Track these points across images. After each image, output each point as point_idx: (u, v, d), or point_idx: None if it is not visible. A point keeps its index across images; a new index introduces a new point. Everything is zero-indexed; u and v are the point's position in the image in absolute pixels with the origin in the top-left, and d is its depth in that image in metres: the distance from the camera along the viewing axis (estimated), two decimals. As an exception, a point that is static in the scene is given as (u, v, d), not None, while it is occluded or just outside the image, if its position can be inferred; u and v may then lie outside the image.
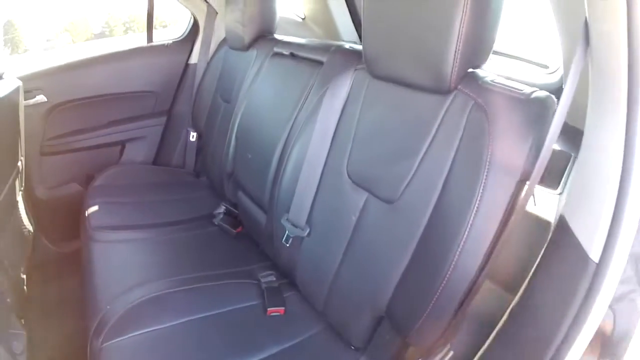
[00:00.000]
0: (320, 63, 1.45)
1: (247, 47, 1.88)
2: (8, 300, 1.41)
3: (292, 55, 1.61)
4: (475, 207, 0.82)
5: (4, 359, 1.23)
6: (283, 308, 1.27)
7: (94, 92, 2.15)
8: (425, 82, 0.95)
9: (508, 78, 0.91)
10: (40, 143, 2.07)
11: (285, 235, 1.28)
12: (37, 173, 2.10)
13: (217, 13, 2.27)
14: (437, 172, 0.91)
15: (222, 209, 1.81)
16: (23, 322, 1.48)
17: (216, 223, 1.74)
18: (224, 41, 2.14)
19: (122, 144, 2.31)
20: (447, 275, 0.86)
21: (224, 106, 1.99)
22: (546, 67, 1.45)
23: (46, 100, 2.01)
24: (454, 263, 0.85)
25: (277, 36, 1.89)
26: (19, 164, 1.64)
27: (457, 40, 0.85)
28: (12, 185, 1.53)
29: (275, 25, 1.91)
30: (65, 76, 2.09)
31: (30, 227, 1.80)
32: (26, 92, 1.85)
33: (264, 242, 1.52)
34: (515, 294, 0.86)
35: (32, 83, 1.95)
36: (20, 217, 1.71)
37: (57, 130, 2.11)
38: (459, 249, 0.84)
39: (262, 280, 1.37)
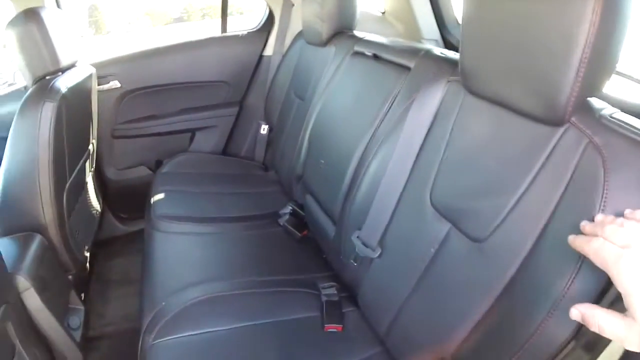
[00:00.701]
0: (406, 68, 1.31)
1: (325, 43, 1.80)
2: (70, 277, 1.46)
3: (375, 56, 1.47)
4: (579, 266, 0.67)
5: (59, 334, 1.27)
6: (341, 326, 1.19)
7: (166, 80, 2.17)
8: (534, 109, 0.79)
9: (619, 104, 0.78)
10: (112, 126, 2.13)
11: (354, 254, 1.21)
12: (108, 155, 2.17)
13: (293, 5, 2.22)
14: (536, 215, 0.76)
15: (288, 209, 1.73)
16: (83, 298, 1.55)
17: (281, 224, 1.68)
18: (300, 34, 2.07)
19: (193, 132, 2.31)
20: (533, 337, 0.72)
21: (297, 103, 1.92)
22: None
23: (119, 86, 2.07)
24: (543, 324, 0.71)
25: (357, 33, 1.77)
26: (90, 147, 1.69)
27: (580, 64, 0.69)
28: (82, 167, 1.59)
29: (356, 21, 1.83)
30: (138, 64, 2.13)
31: (98, 208, 1.87)
32: (100, 77, 1.96)
33: (330, 253, 1.44)
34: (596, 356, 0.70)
35: (106, 69, 2.02)
36: (89, 198, 1.77)
37: (129, 115, 2.16)
38: (553, 310, 0.70)
39: (323, 292, 1.30)
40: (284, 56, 2.19)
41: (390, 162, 1.13)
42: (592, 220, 0.64)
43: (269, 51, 2.31)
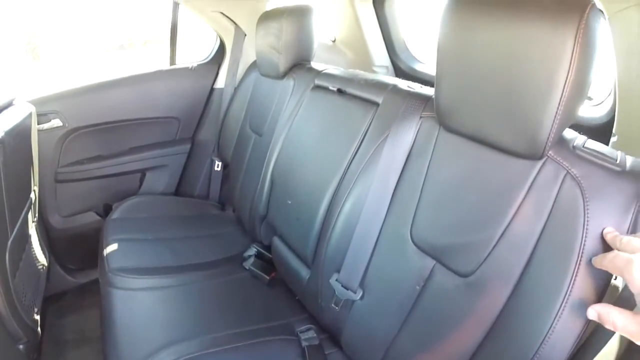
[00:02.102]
0: (374, 104, 1.28)
1: (283, 76, 1.74)
2: (20, 347, 1.32)
3: (340, 91, 1.43)
4: (566, 297, 0.72)
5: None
6: None
7: (113, 117, 2.05)
8: (514, 145, 0.82)
9: None
10: (54, 170, 1.97)
11: (334, 297, 1.16)
12: (52, 201, 2.00)
13: (245, 35, 2.16)
14: (521, 246, 0.80)
15: (253, 251, 1.66)
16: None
17: (247, 267, 1.59)
18: (253, 65, 2.01)
19: (143, 172, 2.20)
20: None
21: (254, 138, 1.85)
22: (590, 99, 1.34)
23: (62, 124, 1.92)
24: (541, 348, 0.74)
25: (314, 65, 1.74)
26: (32, 195, 1.54)
27: (560, 100, 0.72)
28: (24, 219, 1.44)
29: (314, 52, 1.78)
30: (82, 99, 1.98)
31: (44, 262, 1.70)
32: (40, 115, 1.83)
33: (306, 297, 1.37)
34: None
35: (47, 106, 1.87)
36: (34, 252, 1.61)
37: (73, 156, 2.01)
38: (545, 341, 0.74)
39: (302, 336, 1.25)
40: (236, 89, 2.12)
41: (366, 200, 1.10)
42: (572, 247, 0.72)
43: (220, 83, 2.24)
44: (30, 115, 1.52)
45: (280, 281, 1.54)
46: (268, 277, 1.54)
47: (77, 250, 2.04)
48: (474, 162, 0.91)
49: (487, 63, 0.79)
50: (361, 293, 1.10)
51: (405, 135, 1.07)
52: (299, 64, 1.75)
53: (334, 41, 2.29)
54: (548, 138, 0.75)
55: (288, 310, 1.41)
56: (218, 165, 2.18)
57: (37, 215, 1.68)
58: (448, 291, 0.91)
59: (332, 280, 1.16)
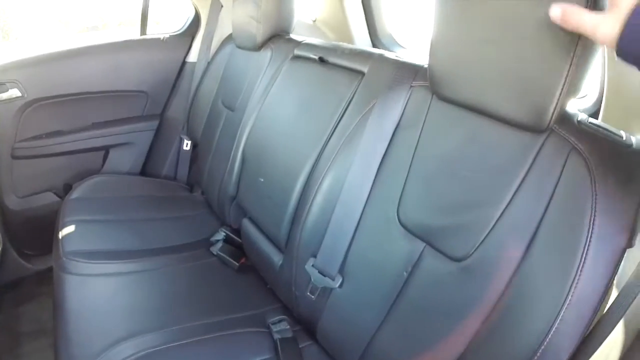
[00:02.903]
0: (359, 73, 1.19)
1: (260, 47, 1.63)
2: None
3: (322, 60, 1.32)
4: (575, 282, 0.66)
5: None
6: None
7: (77, 89, 1.90)
8: (516, 115, 0.75)
9: None
10: (12, 145, 1.82)
11: (310, 284, 1.08)
12: (8, 179, 1.85)
13: (222, 6, 2.03)
14: (523, 226, 0.73)
15: (221, 235, 1.55)
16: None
17: (215, 253, 1.48)
18: (228, 38, 1.90)
19: (106, 149, 2.05)
20: (537, 352, 0.68)
21: (226, 114, 1.74)
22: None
23: (20, 95, 1.77)
24: (543, 346, 0.67)
25: (294, 36, 1.63)
26: None
27: (570, 65, 0.66)
28: None
29: (293, 25, 1.68)
30: (44, 68, 1.83)
31: None
32: None
33: (278, 284, 1.28)
34: None
35: (5, 75, 1.74)
36: None
37: (33, 130, 1.86)
38: (553, 329, 0.67)
39: (274, 329, 1.15)
40: (209, 63, 2.00)
41: (347, 177, 1.02)
42: (580, 229, 0.66)
43: (193, 57, 2.10)
44: None
45: (250, 268, 1.45)
46: (237, 263, 1.44)
47: (35, 234, 1.91)
48: (470, 133, 0.84)
49: (490, 25, 0.74)
50: (340, 280, 1.01)
51: (394, 105, 1.00)
52: (278, 35, 1.65)
53: (314, 21, 2.18)
54: (555, 107, 0.70)
55: (259, 300, 1.31)
56: (187, 144, 2.05)
57: None
58: (439, 277, 0.84)
59: (308, 266, 1.07)
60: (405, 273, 0.89)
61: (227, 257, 1.46)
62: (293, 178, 1.21)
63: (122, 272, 1.33)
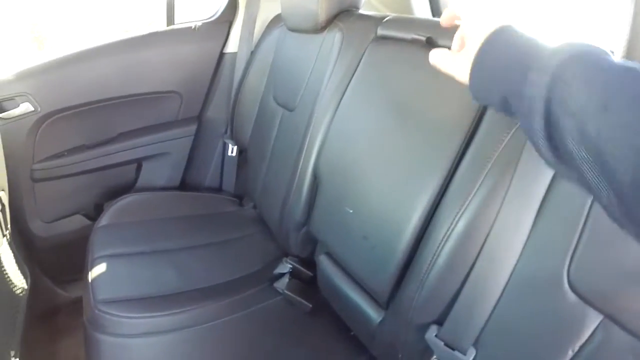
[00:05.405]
0: None
1: (323, 27, 1.32)
2: None
3: (430, 42, 0.94)
4: None
5: None
6: None
7: (97, 96, 1.65)
8: None
9: None
10: (30, 166, 1.59)
11: (428, 358, 0.86)
12: (31, 204, 1.63)
13: (265, -16, 1.76)
14: None
15: (286, 268, 1.27)
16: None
17: (281, 291, 1.21)
18: (276, 20, 1.64)
19: (139, 162, 1.84)
20: None
21: (283, 114, 1.46)
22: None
23: (33, 109, 1.53)
24: None
25: (368, 13, 1.30)
26: None
27: None
28: None
29: None
30: (57, 76, 1.58)
31: (23, 284, 1.35)
32: (7, 100, 1.49)
33: (374, 344, 1.02)
34: None
35: (13, 87, 1.49)
36: (7, 277, 1.26)
37: (52, 148, 1.64)
38: None
39: None
40: (253, 53, 1.73)
41: (498, 218, 0.75)
42: None
43: (232, 47, 1.84)
44: None
45: (324, 306, 1.19)
46: (310, 305, 1.18)
47: (67, 260, 1.66)
48: None
49: None
50: (473, 355, 0.79)
51: None
52: (346, 11, 1.33)
53: (368, -3, 1.94)
54: None
55: (343, 355, 1.08)
56: (232, 150, 1.83)
57: (9, 226, 1.32)
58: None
59: (430, 336, 0.84)
60: (571, 352, 0.69)
61: (298, 298, 1.19)
62: (403, 216, 0.90)
63: (167, 330, 1.08)
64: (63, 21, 3.04)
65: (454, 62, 0.61)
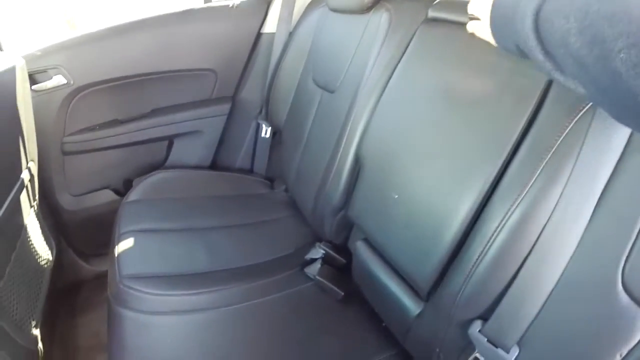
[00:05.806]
0: None
1: (369, 8, 1.24)
2: None
3: None
4: None
5: None
6: None
7: (131, 71, 1.63)
8: None
9: None
10: (60, 139, 1.58)
11: (469, 354, 0.82)
12: (61, 177, 1.63)
13: (306, -39, 1.70)
14: None
15: (319, 253, 1.22)
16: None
17: (312, 277, 1.18)
18: (316, 1, 1.57)
19: (170, 139, 1.82)
20: None
21: (322, 96, 1.40)
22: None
23: (66, 82, 1.51)
24: None
25: None
26: (25, 173, 1.18)
27: None
28: (12, 206, 1.09)
29: None
30: (91, 49, 1.55)
31: (49, 255, 1.38)
32: (38, 72, 1.46)
33: (408, 338, 0.98)
34: None
35: (46, 60, 1.47)
36: (32, 246, 1.26)
37: (83, 122, 1.62)
38: None
39: None
40: (292, 34, 1.67)
41: (554, 214, 0.70)
42: None
43: (270, 27, 1.78)
44: (13, 69, 1.14)
45: (355, 294, 1.16)
46: (342, 293, 1.14)
47: (93, 234, 1.69)
48: None
49: None
50: (516, 353, 0.75)
51: None
52: None
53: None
54: None
55: (377, 347, 1.04)
56: (266, 131, 1.79)
57: (37, 198, 1.33)
58: None
59: (473, 331, 0.80)
60: (619, 355, 0.65)
61: (330, 285, 1.15)
62: (452, 206, 0.85)
63: (193, 309, 1.06)
64: (96, 4, 3.06)
65: (483, 28, 0.70)
